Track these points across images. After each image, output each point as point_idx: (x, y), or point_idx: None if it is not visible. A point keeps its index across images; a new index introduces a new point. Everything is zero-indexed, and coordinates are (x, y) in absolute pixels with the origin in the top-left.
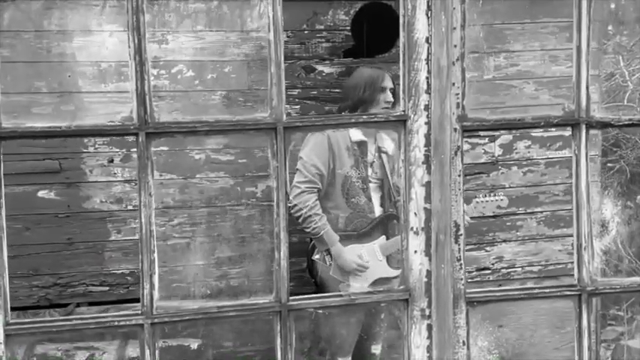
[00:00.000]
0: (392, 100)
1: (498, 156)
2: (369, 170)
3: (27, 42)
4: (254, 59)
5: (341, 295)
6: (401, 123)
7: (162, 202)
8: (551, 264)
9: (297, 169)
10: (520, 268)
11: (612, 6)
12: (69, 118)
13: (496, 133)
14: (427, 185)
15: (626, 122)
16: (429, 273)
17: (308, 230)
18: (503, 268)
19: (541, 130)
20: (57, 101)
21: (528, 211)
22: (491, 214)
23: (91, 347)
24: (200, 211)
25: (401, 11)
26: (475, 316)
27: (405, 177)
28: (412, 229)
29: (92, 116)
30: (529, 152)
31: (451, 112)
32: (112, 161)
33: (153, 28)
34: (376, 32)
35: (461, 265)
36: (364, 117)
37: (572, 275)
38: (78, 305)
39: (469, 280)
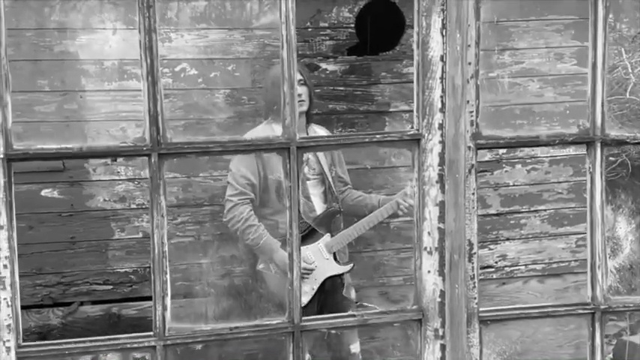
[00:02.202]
0: (301, 92)
1: (503, 154)
2: (305, 168)
3: (29, 40)
4: (257, 57)
5: (354, 316)
6: (415, 142)
7: (165, 201)
8: (554, 262)
9: (228, 182)
10: (524, 267)
11: None
12: (72, 117)
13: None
14: (441, 205)
15: None
16: (442, 293)
17: (247, 242)
18: (506, 266)
19: (545, 128)
20: (60, 100)
21: (532, 209)
22: (495, 212)
23: None
24: (204, 209)
25: (415, 29)
26: (488, 335)
27: (418, 196)
28: (426, 248)
29: (96, 114)
30: (533, 150)
31: (465, 130)
32: (115, 160)
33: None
34: (380, 30)
35: (474, 283)
36: (377, 137)
37: (576, 273)
38: (81, 304)
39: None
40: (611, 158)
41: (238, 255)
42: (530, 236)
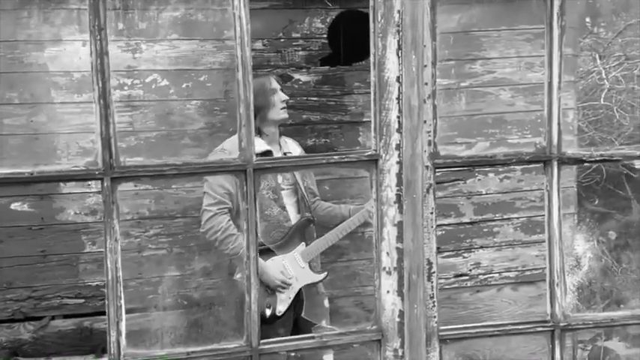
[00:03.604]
0: (287, 98)
1: None
2: (279, 178)
3: None
4: (229, 67)
5: (313, 337)
6: (372, 162)
7: (137, 213)
8: (527, 269)
9: (205, 192)
10: (497, 274)
11: None
12: (41, 130)
13: (472, 141)
14: (399, 225)
15: (598, 158)
16: (401, 313)
17: (226, 252)
18: (480, 274)
19: (517, 136)
20: (28, 112)
21: (505, 217)
22: (468, 221)
23: None
24: (176, 221)
25: (371, 50)
26: (449, 353)
27: (376, 217)
28: (384, 269)
29: (66, 126)
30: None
31: (422, 150)
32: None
33: (127, 37)
34: (353, 40)
35: (434, 302)
36: (335, 158)
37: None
38: (53, 318)
39: (446, 287)
40: (585, 164)
41: (214, 265)
42: (503, 244)
